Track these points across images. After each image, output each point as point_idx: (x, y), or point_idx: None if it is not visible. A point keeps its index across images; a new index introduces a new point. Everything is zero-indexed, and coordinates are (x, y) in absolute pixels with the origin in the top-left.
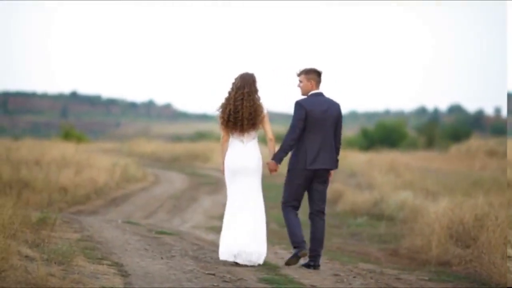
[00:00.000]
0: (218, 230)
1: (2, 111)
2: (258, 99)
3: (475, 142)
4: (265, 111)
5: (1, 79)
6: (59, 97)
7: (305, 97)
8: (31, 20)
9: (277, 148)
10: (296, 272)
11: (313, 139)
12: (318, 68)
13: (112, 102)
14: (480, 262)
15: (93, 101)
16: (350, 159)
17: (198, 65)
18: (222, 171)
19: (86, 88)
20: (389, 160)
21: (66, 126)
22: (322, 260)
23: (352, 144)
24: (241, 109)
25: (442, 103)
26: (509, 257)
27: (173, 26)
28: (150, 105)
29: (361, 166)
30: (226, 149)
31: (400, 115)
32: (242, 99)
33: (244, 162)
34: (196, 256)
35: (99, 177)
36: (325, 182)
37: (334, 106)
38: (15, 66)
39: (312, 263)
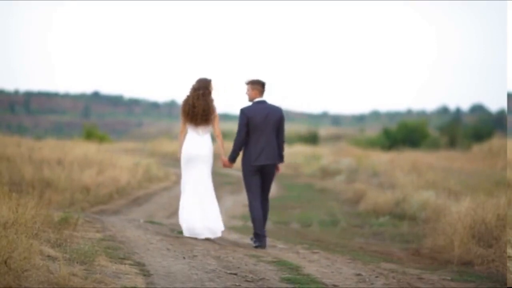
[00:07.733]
0: (239, 229)
1: (24, 111)
2: (211, 100)
3: (497, 142)
4: (216, 113)
5: (23, 79)
6: (81, 97)
7: (250, 103)
8: (53, 19)
9: (226, 145)
10: (318, 272)
11: (256, 141)
12: (262, 80)
13: (134, 102)
14: (502, 262)
15: (115, 101)
16: (372, 158)
17: (219, 66)
18: (179, 158)
19: (108, 88)
20: (411, 160)
21: (88, 126)
22: (344, 260)
23: (374, 144)
24: (197, 106)
25: (464, 102)
26: (509, 257)
27: (195, 26)
28: (172, 105)
29: (383, 166)
30: (183, 140)
31: (422, 114)
32: (198, 98)
33: (199, 151)
34: (218, 255)
35: (121, 177)
36: (272, 174)
37: (274, 111)
38: (37, 66)
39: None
